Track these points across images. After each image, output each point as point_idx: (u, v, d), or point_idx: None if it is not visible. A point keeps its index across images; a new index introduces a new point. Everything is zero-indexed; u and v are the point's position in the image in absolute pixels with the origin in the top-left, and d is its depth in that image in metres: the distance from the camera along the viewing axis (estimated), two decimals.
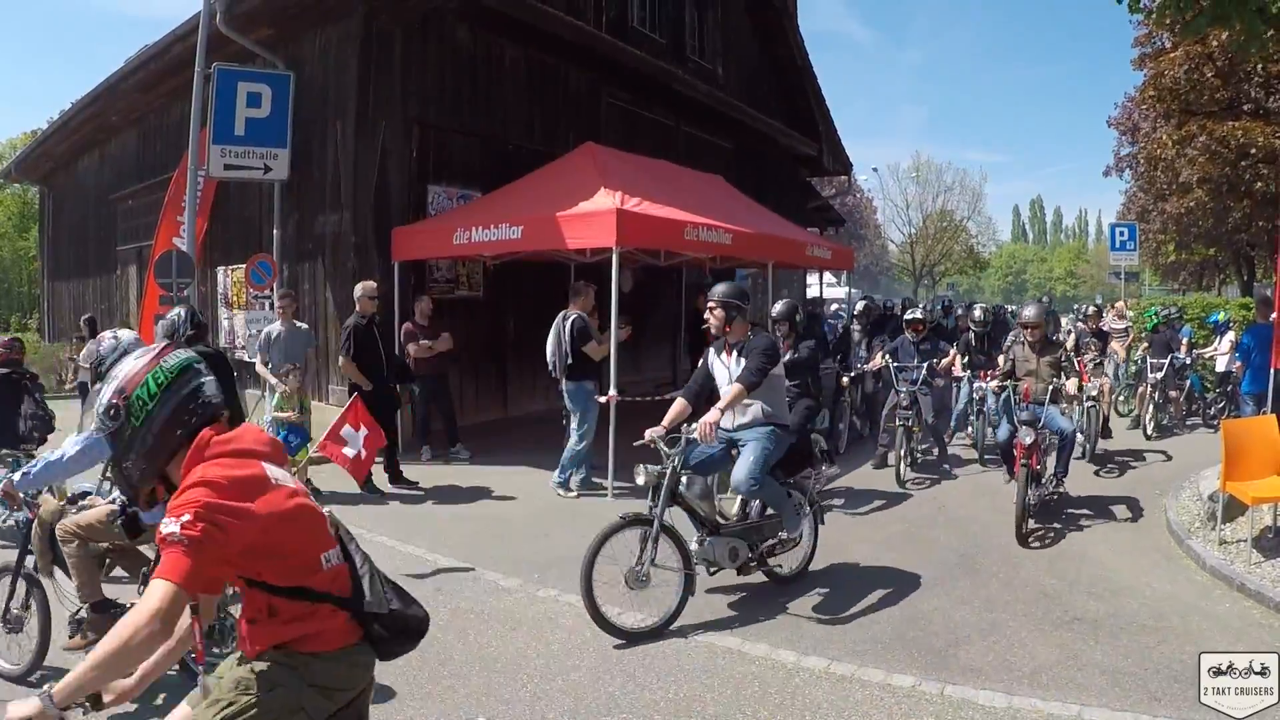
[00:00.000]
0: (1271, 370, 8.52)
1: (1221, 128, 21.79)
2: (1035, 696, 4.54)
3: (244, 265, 12.14)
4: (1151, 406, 12.26)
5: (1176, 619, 5.64)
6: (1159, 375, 12.35)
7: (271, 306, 11.22)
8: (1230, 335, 12.89)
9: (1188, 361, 12.91)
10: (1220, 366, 12.90)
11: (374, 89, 11.36)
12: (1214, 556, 6.72)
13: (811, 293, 22.82)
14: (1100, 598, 6.04)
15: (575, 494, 9.00)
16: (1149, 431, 12.10)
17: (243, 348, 12.27)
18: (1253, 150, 21.36)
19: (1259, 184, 21.89)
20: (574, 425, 9.18)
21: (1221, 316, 13.14)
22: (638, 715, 4.39)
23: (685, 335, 13.93)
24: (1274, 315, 8.61)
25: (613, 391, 9.05)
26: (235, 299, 13.21)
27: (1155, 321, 13.04)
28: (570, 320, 9.13)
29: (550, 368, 9.34)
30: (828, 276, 26.31)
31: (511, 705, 4.48)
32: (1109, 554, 7.08)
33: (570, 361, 9.07)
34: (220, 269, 13.61)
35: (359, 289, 9.43)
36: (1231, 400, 12.08)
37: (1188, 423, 13.07)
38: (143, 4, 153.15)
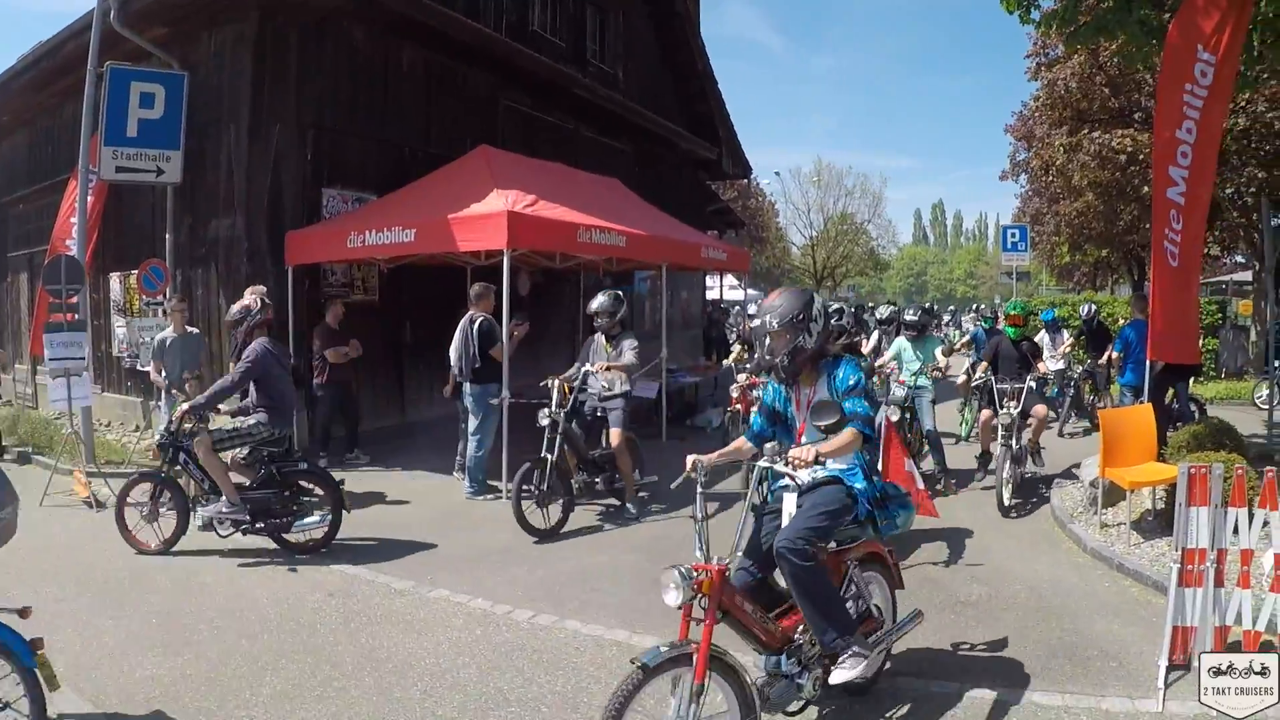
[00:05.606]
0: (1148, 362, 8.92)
1: (1111, 136, 22.63)
2: (913, 676, 4.73)
3: (136, 271, 11.92)
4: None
5: (1057, 599, 5.97)
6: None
7: (164, 313, 11.05)
8: (1067, 334, 13.06)
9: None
10: (1054, 365, 12.15)
11: (268, 91, 11.24)
12: (1095, 539, 7.11)
13: (711, 295, 23.19)
14: (984, 582, 6.35)
15: (483, 497, 9.14)
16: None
17: (135, 356, 12.03)
18: (1140, 157, 22.24)
19: (1146, 188, 22.75)
20: (470, 429, 9.25)
21: (1057, 314, 13.15)
22: (526, 708, 4.46)
23: (583, 338, 14.00)
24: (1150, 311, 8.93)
25: (505, 394, 9.16)
26: (129, 305, 12.95)
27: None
28: (477, 322, 9.18)
29: (455, 370, 9.38)
30: (729, 279, 26.57)
31: (403, 704, 4.52)
32: (994, 540, 7.42)
33: (477, 365, 9.13)
34: (114, 275, 13.31)
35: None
36: (1097, 392, 12.34)
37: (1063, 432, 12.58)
38: None
